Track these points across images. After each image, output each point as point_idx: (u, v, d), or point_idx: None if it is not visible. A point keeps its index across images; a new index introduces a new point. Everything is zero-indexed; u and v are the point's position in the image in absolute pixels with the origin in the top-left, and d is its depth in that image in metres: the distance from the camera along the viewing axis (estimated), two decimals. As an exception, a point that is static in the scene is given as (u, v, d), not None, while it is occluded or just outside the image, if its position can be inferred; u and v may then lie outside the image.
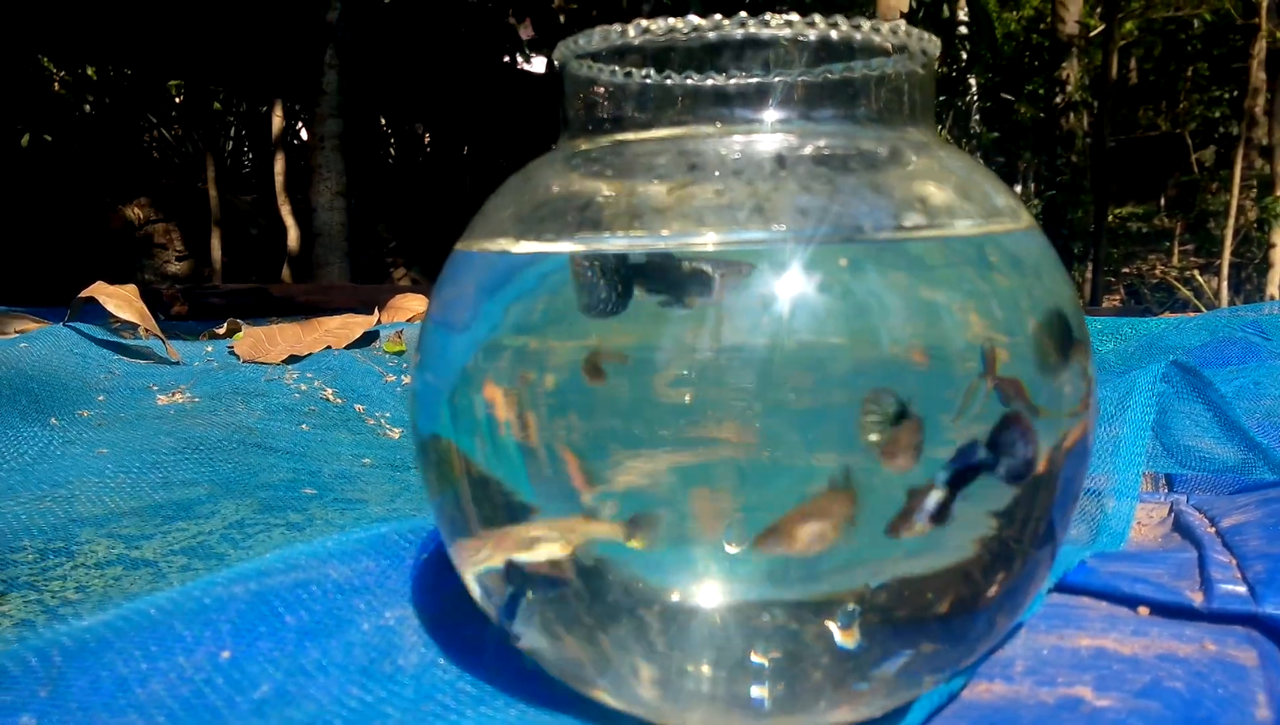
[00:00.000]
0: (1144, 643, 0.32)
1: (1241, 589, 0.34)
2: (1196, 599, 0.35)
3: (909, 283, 0.23)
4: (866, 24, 0.25)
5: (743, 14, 0.24)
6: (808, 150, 0.24)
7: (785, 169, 0.24)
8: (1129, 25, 7.87)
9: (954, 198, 0.25)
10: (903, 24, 0.25)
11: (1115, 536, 0.43)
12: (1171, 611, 0.35)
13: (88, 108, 5.55)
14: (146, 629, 0.27)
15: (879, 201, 0.23)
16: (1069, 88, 7.28)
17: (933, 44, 0.26)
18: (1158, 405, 0.59)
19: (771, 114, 0.25)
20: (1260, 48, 6.57)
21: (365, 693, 0.27)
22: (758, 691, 0.25)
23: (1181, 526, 0.44)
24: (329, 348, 0.96)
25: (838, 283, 0.22)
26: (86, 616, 0.28)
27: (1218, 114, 8.68)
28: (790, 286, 0.22)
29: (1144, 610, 0.35)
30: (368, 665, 0.29)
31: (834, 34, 0.24)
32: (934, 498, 0.23)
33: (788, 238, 0.22)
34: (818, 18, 0.24)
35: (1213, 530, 0.42)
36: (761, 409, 0.22)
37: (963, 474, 0.23)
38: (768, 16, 0.24)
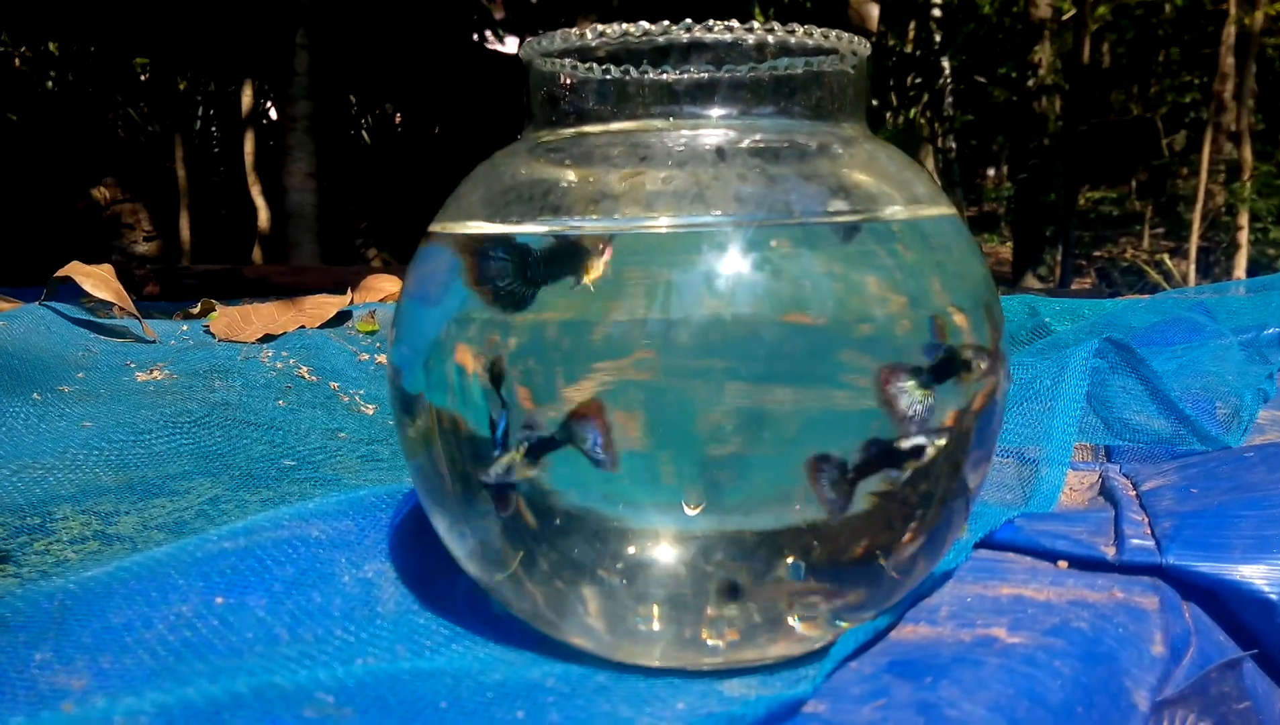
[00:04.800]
0: (1058, 591, 0.36)
1: (1149, 543, 0.38)
2: (1109, 552, 0.38)
3: (833, 261, 0.26)
4: (800, 29, 0.27)
5: (688, 20, 0.27)
6: (745, 143, 0.27)
7: (724, 160, 0.26)
8: (1101, 9, 7.94)
9: (877, 186, 0.27)
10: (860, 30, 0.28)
11: (1045, 500, 0.46)
12: (1086, 564, 0.38)
13: (50, 84, 5.47)
14: (146, 578, 0.30)
15: (807, 189, 0.26)
16: (1041, 71, 7.34)
17: (862, 46, 0.29)
18: (1096, 380, 0.62)
19: (715, 110, 0.27)
20: (1229, 33, 6.65)
21: (348, 634, 0.30)
22: (706, 632, 0.28)
23: (1106, 490, 0.48)
24: (303, 327, 0.98)
25: (769, 262, 0.25)
26: (90, 569, 0.30)
27: (1189, 99, 8.77)
28: (728, 265, 0.25)
29: (1063, 564, 0.39)
30: (350, 612, 0.31)
31: (771, 38, 0.27)
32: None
33: (725, 222, 0.25)
34: (756, 24, 0.27)
35: (1133, 493, 0.46)
36: (694, 369, 0.24)
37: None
38: (711, 22, 0.27)
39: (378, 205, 5.92)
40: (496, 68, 5.89)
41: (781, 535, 0.27)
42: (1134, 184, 9.24)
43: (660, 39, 0.27)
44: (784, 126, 0.28)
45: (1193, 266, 6.55)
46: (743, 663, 0.29)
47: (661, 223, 0.26)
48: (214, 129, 6.62)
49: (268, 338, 0.94)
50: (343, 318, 1.04)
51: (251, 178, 4.85)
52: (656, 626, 0.28)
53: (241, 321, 0.98)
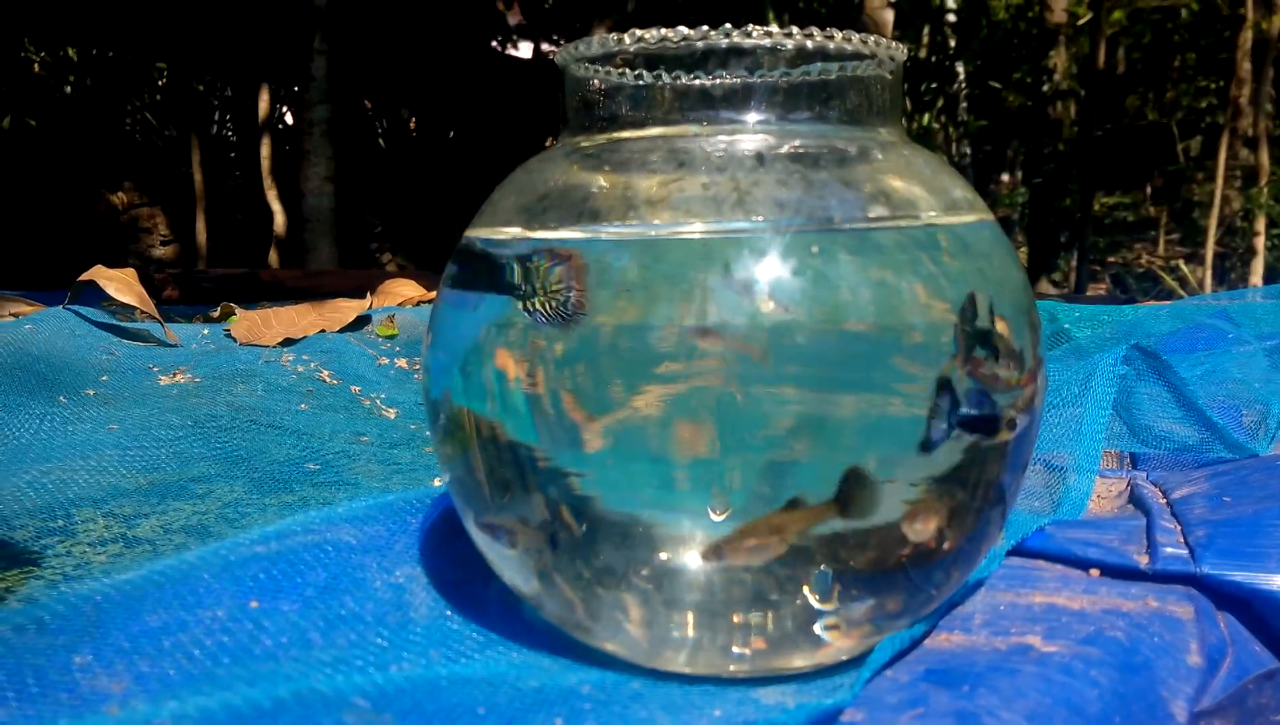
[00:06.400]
0: (1092, 599, 0.35)
1: (1183, 552, 0.37)
2: (1142, 561, 0.38)
3: (874, 267, 0.26)
4: (839, 34, 0.27)
5: (727, 25, 0.26)
6: (784, 148, 0.27)
7: (764, 165, 0.26)
8: (1117, 14, 7.89)
9: (916, 191, 0.27)
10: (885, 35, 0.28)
11: (1074, 507, 0.46)
12: (1119, 572, 0.38)
13: (68, 89, 5.51)
14: (180, 581, 0.30)
15: (848, 195, 0.26)
16: (1056, 76, 7.32)
17: (899, 51, 0.29)
18: (1122, 387, 0.62)
19: (752, 115, 0.27)
20: (1246, 38, 6.60)
21: (382, 639, 0.30)
22: (738, 639, 0.28)
23: (1136, 498, 0.47)
24: (323, 331, 0.98)
25: (810, 267, 0.25)
26: (124, 572, 0.30)
27: (1204, 104, 8.71)
28: (767, 270, 0.25)
29: (1095, 572, 0.38)
30: (383, 616, 0.31)
31: (809, 43, 0.27)
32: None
33: (766, 227, 0.25)
34: (795, 29, 0.27)
35: (1164, 501, 0.46)
36: (739, 375, 0.24)
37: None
38: (750, 27, 0.27)
39: (393, 210, 5.93)
40: (512, 73, 5.90)
41: (817, 543, 0.26)
42: (1149, 189, 9.18)
43: (699, 44, 0.27)
44: (822, 132, 0.28)
45: (1209, 272, 6.50)
46: (778, 671, 0.29)
47: (699, 228, 0.26)
48: (231, 134, 6.65)
49: (288, 341, 0.94)
50: (362, 322, 1.04)
51: (268, 182, 4.87)
52: (691, 633, 0.28)
53: (262, 325, 0.98)
